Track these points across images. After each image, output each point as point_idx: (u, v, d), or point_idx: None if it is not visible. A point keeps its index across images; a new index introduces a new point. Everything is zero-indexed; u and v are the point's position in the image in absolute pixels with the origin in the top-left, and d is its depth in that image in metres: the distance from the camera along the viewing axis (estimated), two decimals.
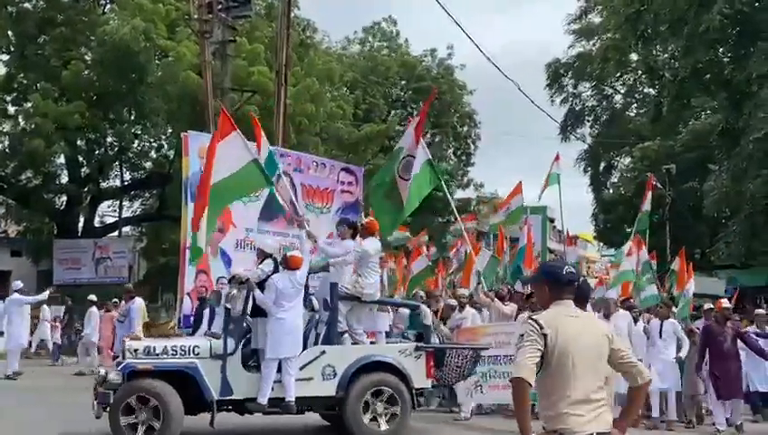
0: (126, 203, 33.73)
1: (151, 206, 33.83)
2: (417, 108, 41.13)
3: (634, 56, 30.58)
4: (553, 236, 34.45)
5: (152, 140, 31.17)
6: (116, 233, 32.81)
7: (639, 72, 31.82)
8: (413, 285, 17.04)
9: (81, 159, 30.01)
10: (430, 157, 12.86)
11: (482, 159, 40.87)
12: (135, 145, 31.13)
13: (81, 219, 32.05)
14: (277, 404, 10.04)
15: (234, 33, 20.18)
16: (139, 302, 17.37)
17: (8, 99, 28.93)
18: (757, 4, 21.86)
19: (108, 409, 9.63)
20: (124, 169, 31.60)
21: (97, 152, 30.18)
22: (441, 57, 41.27)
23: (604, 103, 39.12)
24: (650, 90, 32.32)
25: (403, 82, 40.67)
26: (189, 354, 9.97)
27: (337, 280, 10.54)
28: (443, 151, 40.20)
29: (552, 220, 32.22)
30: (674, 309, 13.46)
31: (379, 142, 32.83)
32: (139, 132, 30.63)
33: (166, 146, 30.62)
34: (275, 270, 10.29)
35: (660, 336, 12.38)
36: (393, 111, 40.16)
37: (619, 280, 15.59)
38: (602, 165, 39.53)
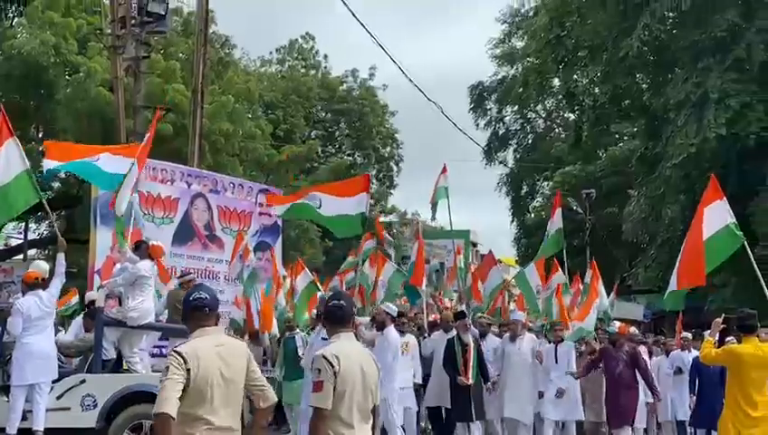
0: (32, 225, 32.79)
1: (59, 228, 32.98)
2: (339, 129, 41.26)
3: (556, 81, 31.20)
4: (476, 260, 34.84)
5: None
6: (21, 256, 31.85)
7: (560, 96, 32.47)
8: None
9: None
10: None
11: (405, 181, 41.07)
12: (43, 164, 30.32)
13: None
14: None
15: (148, 49, 19.98)
16: None
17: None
18: (675, 31, 22.54)
19: None
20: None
21: None
22: (363, 77, 41.53)
23: (527, 127, 39.86)
24: (571, 115, 33.06)
25: (324, 103, 40.70)
26: None
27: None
28: (365, 174, 40.31)
29: (474, 244, 32.60)
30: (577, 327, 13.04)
31: (299, 164, 32.78)
32: (45, 150, 29.88)
33: None
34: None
35: (556, 361, 11.91)
36: (314, 132, 40.15)
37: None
38: (524, 189, 40.20)
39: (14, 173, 10.46)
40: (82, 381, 9.93)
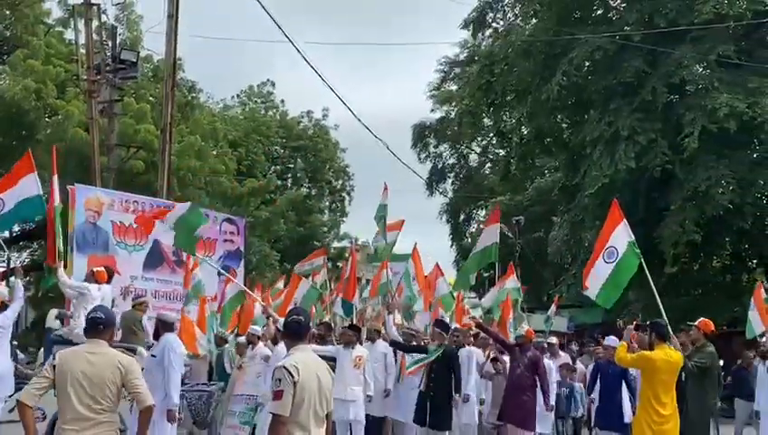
0: (14, 254, 32.03)
1: (39, 256, 32.24)
2: (296, 165, 41.11)
3: (487, 120, 31.53)
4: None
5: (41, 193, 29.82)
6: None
7: (491, 135, 32.83)
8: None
9: None
10: None
11: (356, 209, 40.97)
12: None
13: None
14: None
15: (121, 93, 19.95)
16: None
17: None
18: (590, 77, 22.93)
19: None
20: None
21: None
22: (317, 118, 41.57)
23: (462, 162, 40.22)
24: (501, 151, 33.44)
25: (282, 141, 40.61)
26: None
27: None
28: (319, 204, 40.15)
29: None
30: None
31: (260, 196, 32.64)
32: None
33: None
34: None
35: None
36: (273, 167, 40.02)
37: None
38: (462, 217, 40.49)
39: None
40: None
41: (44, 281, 11.02)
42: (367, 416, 11.05)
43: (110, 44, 19.46)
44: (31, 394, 5.12)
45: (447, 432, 10.65)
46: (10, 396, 9.52)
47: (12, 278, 10.50)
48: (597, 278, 9.97)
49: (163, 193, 16.77)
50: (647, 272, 9.62)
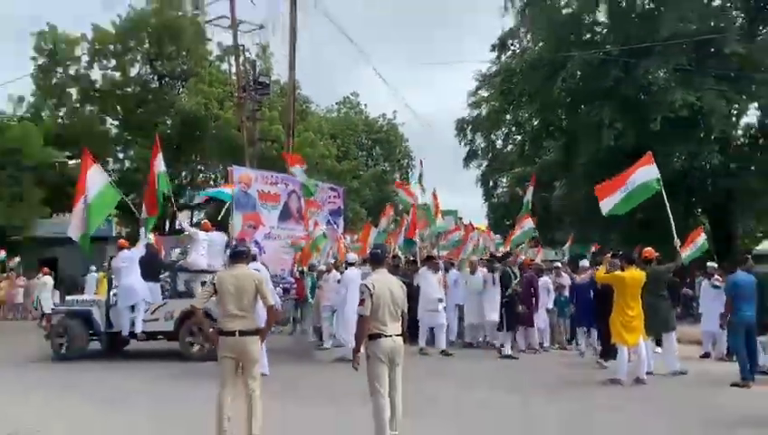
0: (196, 213, 33.23)
1: (211, 216, 33.19)
2: (377, 152, 41.12)
3: (508, 116, 30.89)
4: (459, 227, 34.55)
5: (210, 173, 30.78)
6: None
7: (511, 125, 32.11)
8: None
9: None
10: None
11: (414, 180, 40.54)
12: (200, 176, 30.73)
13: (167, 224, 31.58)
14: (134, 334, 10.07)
15: (259, 104, 20.25)
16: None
17: (118, 148, 28.43)
18: (581, 83, 22.17)
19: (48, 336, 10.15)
20: (193, 192, 31.15)
21: (176, 181, 29.80)
22: (389, 117, 41.42)
23: (490, 145, 39.41)
24: (518, 136, 32.61)
25: (366, 134, 40.66)
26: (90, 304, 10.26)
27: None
28: (392, 177, 40.19)
29: (460, 218, 32.29)
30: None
31: (352, 172, 32.98)
32: (201, 169, 30.26)
33: (218, 176, 30.30)
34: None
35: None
36: (360, 152, 40.18)
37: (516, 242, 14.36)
38: (491, 183, 39.80)
39: (102, 184, 10.38)
40: (164, 304, 10.14)
41: (147, 225, 10.88)
42: None
43: (252, 72, 19.80)
44: (200, 301, 5.19)
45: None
46: (134, 305, 9.93)
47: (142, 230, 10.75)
48: (612, 198, 9.63)
49: (289, 171, 17.02)
50: (665, 198, 9.20)
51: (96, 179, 10.34)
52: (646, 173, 9.43)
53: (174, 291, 10.40)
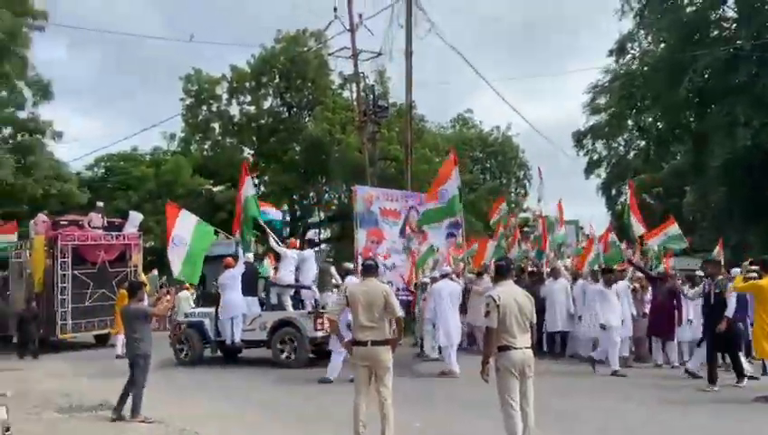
0: (322, 230, 34.78)
1: (337, 232, 34.69)
2: (491, 164, 40.71)
3: (629, 121, 29.37)
4: (582, 238, 33.13)
5: (335, 193, 32.22)
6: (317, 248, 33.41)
7: (634, 130, 30.43)
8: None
9: (295, 206, 31.44)
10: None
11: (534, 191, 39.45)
12: (326, 196, 32.32)
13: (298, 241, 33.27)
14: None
15: (378, 126, 20.82)
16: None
17: (254, 175, 30.71)
18: (709, 81, 20.69)
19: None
20: (320, 211, 32.74)
21: (305, 202, 31.58)
22: (503, 130, 41.01)
23: (611, 153, 37.52)
24: (641, 142, 30.82)
25: (480, 147, 40.49)
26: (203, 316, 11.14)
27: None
28: (508, 189, 39.52)
29: (581, 228, 30.99)
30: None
31: (468, 186, 32.78)
32: (327, 189, 31.81)
33: (343, 196, 31.57)
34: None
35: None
36: (475, 166, 40.05)
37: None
38: (613, 191, 37.78)
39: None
40: (259, 316, 10.85)
41: (243, 245, 11.28)
42: None
43: (371, 97, 20.37)
44: (334, 312, 5.39)
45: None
46: (233, 317, 10.65)
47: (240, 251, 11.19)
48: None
49: (408, 187, 17.38)
50: None
51: (186, 223, 11.02)
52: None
53: (267, 304, 11.24)
